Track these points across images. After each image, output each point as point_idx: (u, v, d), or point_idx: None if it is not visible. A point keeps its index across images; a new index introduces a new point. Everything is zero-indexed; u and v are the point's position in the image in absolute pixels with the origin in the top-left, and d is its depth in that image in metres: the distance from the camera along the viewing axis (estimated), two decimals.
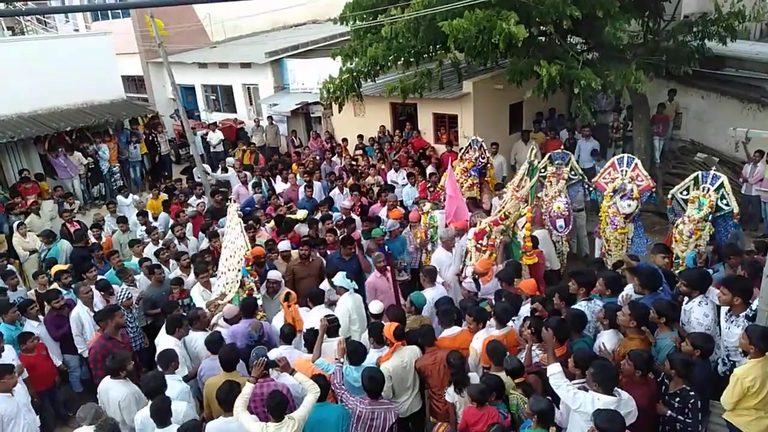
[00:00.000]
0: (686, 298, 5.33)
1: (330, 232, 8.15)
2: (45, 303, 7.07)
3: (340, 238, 7.80)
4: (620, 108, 12.91)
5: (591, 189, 8.31)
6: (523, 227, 7.05)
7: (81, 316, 6.62)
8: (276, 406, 4.34)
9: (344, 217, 8.90)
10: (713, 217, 6.86)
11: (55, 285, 7.46)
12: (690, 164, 12.11)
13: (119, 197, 11.33)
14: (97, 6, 14.40)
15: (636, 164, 7.78)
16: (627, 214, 7.57)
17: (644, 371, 4.41)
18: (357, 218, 9.03)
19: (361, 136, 13.55)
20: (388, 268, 6.76)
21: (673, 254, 6.74)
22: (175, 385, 5.00)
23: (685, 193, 7.25)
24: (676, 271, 6.32)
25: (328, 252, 7.85)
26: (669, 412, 4.40)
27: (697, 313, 5.14)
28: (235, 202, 8.11)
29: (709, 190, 6.99)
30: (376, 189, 10.59)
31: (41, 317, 6.89)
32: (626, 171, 7.78)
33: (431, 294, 6.33)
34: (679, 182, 7.66)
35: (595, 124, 11.05)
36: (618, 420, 3.79)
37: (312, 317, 5.92)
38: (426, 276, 6.57)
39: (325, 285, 6.77)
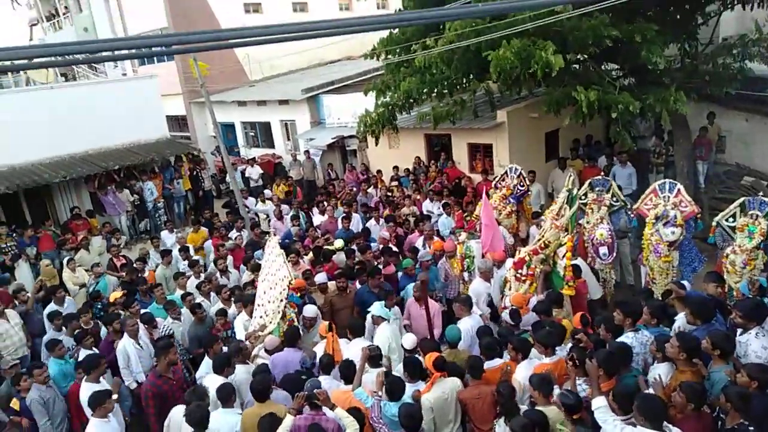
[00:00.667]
0: (740, 330, 5.09)
1: (361, 264, 8.16)
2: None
3: (368, 269, 7.77)
4: (661, 133, 12.67)
5: (633, 216, 8.08)
6: (563, 256, 6.92)
7: (127, 349, 6.77)
8: None
9: (381, 247, 8.92)
10: (765, 245, 6.55)
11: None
12: (737, 188, 11.72)
13: (164, 233, 11.68)
14: (144, 54, 15.18)
15: (679, 190, 7.51)
16: (671, 241, 7.33)
17: (697, 404, 4.19)
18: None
19: (396, 168, 13.68)
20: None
21: (726, 285, 6.47)
22: (238, 419, 5.05)
23: (731, 220, 6.92)
24: (730, 303, 6.04)
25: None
26: None
27: (754, 345, 4.88)
28: (275, 235, 8.26)
29: (758, 216, 6.67)
30: (411, 219, 10.62)
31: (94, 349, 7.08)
32: (669, 197, 7.51)
33: (468, 323, 6.24)
34: (725, 207, 7.36)
35: (636, 149, 10.84)
36: None
37: (352, 349, 5.91)
38: (462, 305, 6.49)
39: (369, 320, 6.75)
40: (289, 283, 6.52)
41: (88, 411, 5.27)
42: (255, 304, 6.89)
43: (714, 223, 7.15)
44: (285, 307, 6.51)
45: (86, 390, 5.61)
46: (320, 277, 7.81)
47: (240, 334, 6.91)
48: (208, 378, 5.70)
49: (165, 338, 6.64)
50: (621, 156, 11.48)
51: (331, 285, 7.73)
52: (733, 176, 12.35)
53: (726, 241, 7.00)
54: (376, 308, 6.42)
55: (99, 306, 8.74)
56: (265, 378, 5.20)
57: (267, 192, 14.32)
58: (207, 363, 6.18)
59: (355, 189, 13.49)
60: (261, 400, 5.01)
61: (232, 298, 7.71)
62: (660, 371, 4.80)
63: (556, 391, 4.62)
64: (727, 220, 6.97)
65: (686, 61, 10.76)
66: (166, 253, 9.90)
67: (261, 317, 6.67)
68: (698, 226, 7.55)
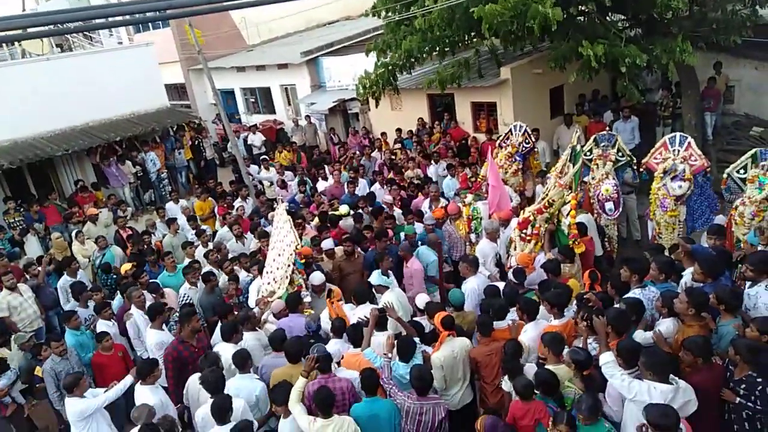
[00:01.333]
0: (749, 283, 5.08)
1: (367, 229, 8.18)
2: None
3: (374, 234, 7.78)
4: (668, 85, 12.41)
5: (642, 170, 7.95)
6: (567, 214, 6.89)
7: (137, 320, 6.88)
8: (321, 401, 4.39)
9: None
10: None
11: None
12: (746, 139, 11.53)
13: (169, 204, 11.68)
14: (138, 19, 14.87)
15: (689, 143, 7.37)
16: (677, 196, 7.26)
17: (704, 356, 4.23)
18: (398, 212, 9.02)
19: (399, 130, 13.53)
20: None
21: (734, 237, 6.43)
22: (256, 385, 5.16)
23: (742, 171, 6.81)
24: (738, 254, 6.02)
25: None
26: (737, 399, 4.22)
27: (765, 297, 4.87)
28: (283, 202, 8.26)
29: None
30: (416, 182, 10.55)
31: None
32: (678, 151, 7.39)
33: (474, 283, 6.27)
34: (734, 159, 7.25)
35: (644, 102, 10.62)
36: (671, 414, 3.62)
37: (357, 314, 5.96)
38: (469, 265, 6.50)
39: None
40: (296, 248, 6.55)
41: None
42: (264, 271, 6.95)
43: (725, 175, 7.05)
44: (293, 272, 6.55)
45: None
46: (326, 243, 7.83)
47: (253, 299, 7.01)
48: (219, 346, 5.80)
49: (186, 306, 6.72)
50: (624, 110, 11.29)
51: (339, 250, 7.75)
52: (741, 127, 12.14)
53: (735, 194, 6.92)
54: (375, 278, 6.46)
55: (111, 278, 8.86)
56: (298, 341, 5.30)
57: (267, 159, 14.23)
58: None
59: (358, 153, 13.39)
60: (294, 362, 5.11)
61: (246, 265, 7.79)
62: (664, 326, 4.83)
63: (566, 350, 4.66)
64: (738, 171, 6.87)
65: (694, 9, 10.43)
66: (171, 222, 9.94)
67: (269, 283, 6.74)
68: (708, 179, 7.44)
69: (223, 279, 7.69)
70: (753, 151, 6.82)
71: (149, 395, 5.18)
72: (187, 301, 7.26)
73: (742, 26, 10.00)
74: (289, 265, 6.52)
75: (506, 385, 4.77)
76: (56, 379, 6.12)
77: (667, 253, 6.40)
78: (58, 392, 6.12)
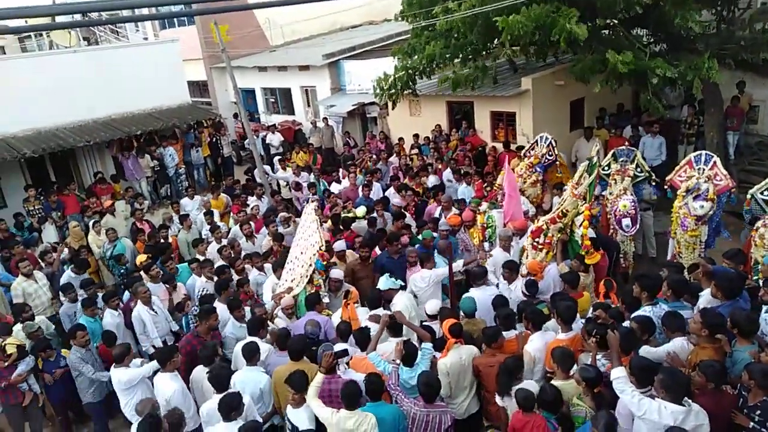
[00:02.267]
0: (765, 307, 4.97)
1: (381, 232, 8.19)
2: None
3: (387, 238, 7.79)
4: (693, 102, 12.26)
5: (667, 187, 7.80)
6: (580, 225, 6.82)
7: (141, 316, 6.88)
8: (350, 395, 4.44)
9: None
10: None
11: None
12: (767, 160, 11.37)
13: (184, 200, 11.78)
14: (164, 14, 15.07)
15: (715, 162, 7.23)
16: (698, 215, 7.13)
17: (717, 383, 4.15)
18: (411, 220, 9.00)
19: (416, 136, 13.53)
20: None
21: (752, 259, 6.31)
22: (262, 378, 5.21)
23: (766, 193, 6.71)
24: (755, 278, 5.90)
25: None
26: (751, 424, 4.12)
27: None
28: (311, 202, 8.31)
29: None
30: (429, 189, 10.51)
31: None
32: (704, 169, 7.25)
33: (478, 294, 6.18)
34: (756, 180, 7.14)
35: (668, 117, 10.51)
36: None
37: (369, 318, 5.94)
38: (473, 279, 6.45)
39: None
40: (320, 248, 6.57)
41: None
42: (285, 268, 7.00)
43: (748, 196, 6.92)
44: (313, 272, 6.57)
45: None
46: (339, 245, 7.84)
47: (267, 296, 7.05)
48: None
49: (208, 297, 6.79)
50: (653, 126, 11.15)
51: (350, 254, 7.75)
52: (765, 148, 11.95)
53: (757, 216, 6.79)
54: (383, 282, 6.45)
55: (122, 269, 8.95)
56: (301, 338, 5.32)
57: (276, 159, 14.23)
58: (232, 323, 6.34)
59: (375, 157, 13.40)
60: (296, 359, 5.12)
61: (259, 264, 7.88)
62: (673, 345, 4.72)
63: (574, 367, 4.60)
64: (762, 193, 6.76)
65: (722, 27, 10.31)
66: (184, 218, 10.02)
67: (287, 280, 6.78)
68: (731, 200, 7.29)
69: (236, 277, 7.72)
70: None
71: (169, 382, 5.24)
72: (205, 292, 7.26)
73: None
74: (311, 265, 6.55)
75: (499, 400, 4.72)
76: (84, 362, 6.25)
77: (685, 273, 6.29)
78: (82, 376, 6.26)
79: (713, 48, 9.39)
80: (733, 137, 11.56)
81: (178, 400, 5.15)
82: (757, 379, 4.07)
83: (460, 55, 10.84)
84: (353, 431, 4.37)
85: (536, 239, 6.93)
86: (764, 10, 10.10)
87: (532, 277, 6.35)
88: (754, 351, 4.47)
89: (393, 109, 12.44)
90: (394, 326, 5.49)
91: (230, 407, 4.52)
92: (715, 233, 7.33)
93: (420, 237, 7.97)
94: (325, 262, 6.74)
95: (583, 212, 6.90)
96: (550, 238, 6.92)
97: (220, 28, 12.03)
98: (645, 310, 5.22)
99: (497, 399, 4.76)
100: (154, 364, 5.55)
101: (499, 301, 5.85)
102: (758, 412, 4.09)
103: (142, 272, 7.82)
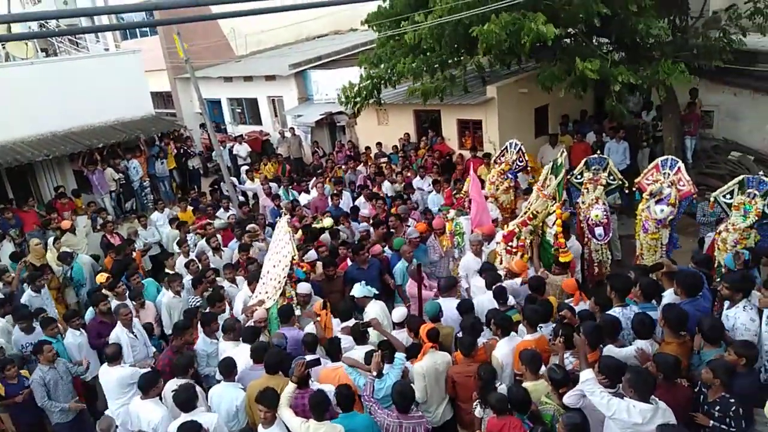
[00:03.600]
0: (727, 304, 5.14)
1: (342, 245, 8.16)
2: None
3: (351, 249, 7.75)
4: (650, 108, 12.65)
5: (635, 189, 7.79)
6: (554, 224, 6.92)
7: (120, 338, 6.53)
8: (317, 405, 4.41)
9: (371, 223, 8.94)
10: (758, 224, 6.48)
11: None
12: (724, 163, 11.78)
13: (154, 214, 11.48)
14: (125, 25, 14.82)
15: (679, 167, 7.31)
16: (659, 219, 7.28)
17: (667, 374, 4.25)
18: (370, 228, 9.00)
19: (380, 144, 13.57)
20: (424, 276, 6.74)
21: (716, 261, 6.48)
22: (238, 394, 5.14)
23: (728, 197, 6.81)
24: (718, 280, 6.06)
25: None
26: (711, 422, 4.24)
27: (743, 318, 4.94)
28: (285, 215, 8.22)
29: (755, 195, 6.54)
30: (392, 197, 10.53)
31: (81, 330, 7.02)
32: (668, 174, 7.35)
33: (446, 303, 6.12)
34: (712, 182, 7.35)
35: (632, 124, 10.78)
36: None
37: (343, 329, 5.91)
38: (442, 289, 6.46)
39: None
40: (293, 258, 6.50)
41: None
42: (259, 281, 6.91)
43: (712, 198, 7.04)
44: (286, 284, 6.50)
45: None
46: (310, 255, 7.78)
47: (238, 308, 6.94)
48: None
49: (186, 316, 6.62)
50: (617, 132, 11.42)
51: (321, 265, 7.66)
52: (720, 151, 12.41)
53: (706, 216, 6.94)
54: (357, 290, 6.42)
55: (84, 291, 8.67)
56: (278, 352, 5.24)
57: (245, 169, 14.03)
58: (203, 339, 6.24)
59: (344, 166, 13.39)
60: (271, 373, 5.06)
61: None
62: (641, 345, 4.84)
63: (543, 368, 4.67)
64: (724, 196, 6.87)
65: (677, 35, 10.69)
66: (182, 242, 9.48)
67: (260, 293, 6.70)
68: (693, 205, 7.41)
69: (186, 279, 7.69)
70: (741, 177, 6.77)
71: (154, 408, 5.06)
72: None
73: (723, 52, 10.26)
74: (284, 277, 6.47)
75: (478, 411, 4.72)
76: (46, 387, 6.03)
77: (649, 272, 6.42)
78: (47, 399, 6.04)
79: (668, 55, 9.73)
80: (690, 141, 11.96)
81: (166, 425, 4.95)
82: (720, 375, 4.19)
83: (426, 67, 10.96)
84: None
85: (509, 243, 6.99)
86: (716, 19, 10.51)
87: (517, 278, 6.45)
88: (720, 354, 4.59)
89: (357, 117, 12.47)
90: (359, 335, 5.48)
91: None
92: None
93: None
94: (304, 270, 6.68)
95: (554, 212, 6.98)
96: (523, 241, 6.99)
97: (177, 42, 11.84)
98: (615, 311, 5.32)
99: (475, 410, 4.76)
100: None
101: (464, 307, 5.84)
102: (717, 407, 4.21)
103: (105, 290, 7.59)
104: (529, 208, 7.25)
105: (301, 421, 4.43)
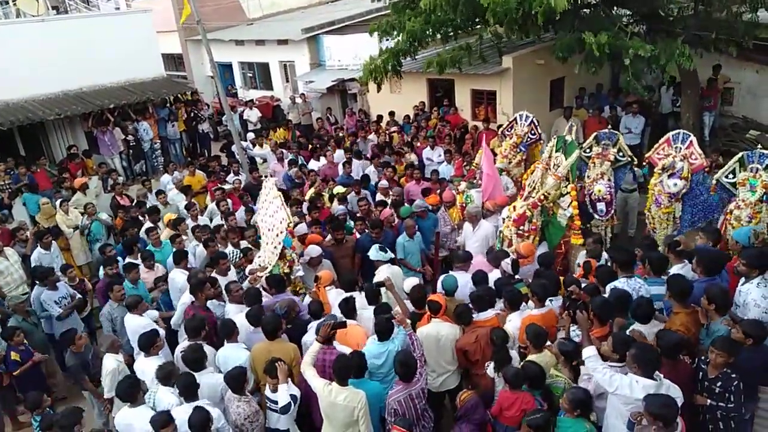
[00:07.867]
0: (742, 280, 5.10)
1: (359, 220, 7.95)
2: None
3: (369, 222, 7.66)
4: (670, 84, 12.36)
5: (645, 163, 7.76)
6: (569, 206, 6.85)
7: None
8: (341, 369, 4.43)
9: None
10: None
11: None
12: (741, 141, 11.56)
13: (164, 176, 11.49)
14: None
15: (691, 141, 7.29)
16: (672, 193, 7.24)
17: (666, 354, 4.20)
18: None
19: (392, 113, 13.40)
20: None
21: (727, 241, 6.42)
22: (242, 354, 5.19)
23: (731, 176, 6.78)
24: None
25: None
26: (709, 401, 4.26)
27: (755, 294, 4.88)
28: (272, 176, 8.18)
29: (758, 170, 6.54)
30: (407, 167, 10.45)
31: None
32: (680, 148, 7.31)
33: (459, 276, 6.11)
34: (728, 161, 7.23)
35: (646, 97, 10.57)
36: (672, 405, 3.64)
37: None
38: (456, 261, 6.47)
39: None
40: (288, 225, 6.50)
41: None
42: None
43: (713, 181, 7.00)
44: (284, 248, 6.51)
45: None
46: (300, 228, 7.58)
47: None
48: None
49: (196, 275, 6.55)
50: (633, 106, 11.20)
51: (313, 237, 7.50)
52: (739, 129, 12.17)
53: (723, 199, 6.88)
54: (373, 253, 6.48)
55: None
56: (275, 317, 5.27)
57: (250, 135, 13.96)
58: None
59: (354, 134, 13.28)
60: (271, 338, 5.12)
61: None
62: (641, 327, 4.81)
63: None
64: (726, 176, 6.83)
65: (700, 9, 10.36)
66: (160, 192, 9.84)
67: (260, 257, 6.72)
68: (705, 179, 7.30)
69: (200, 250, 7.68)
70: (740, 154, 6.77)
71: (155, 366, 5.10)
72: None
73: (747, 29, 9.92)
74: (279, 242, 6.48)
75: (490, 371, 4.79)
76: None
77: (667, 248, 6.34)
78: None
79: (690, 30, 9.45)
80: (709, 117, 11.71)
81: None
82: (726, 349, 4.17)
83: (441, 32, 10.72)
84: (343, 407, 4.37)
85: (521, 227, 6.88)
86: None
87: (522, 259, 6.40)
88: (728, 320, 4.60)
89: (378, 91, 12.30)
90: (372, 294, 5.52)
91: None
92: (696, 217, 7.36)
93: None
94: (293, 239, 6.66)
95: (569, 193, 6.90)
96: (535, 224, 6.89)
97: (184, 3, 11.61)
98: (620, 282, 5.29)
99: (487, 370, 4.81)
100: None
101: (480, 279, 5.84)
102: (718, 383, 4.21)
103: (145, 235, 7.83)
104: (534, 187, 7.13)
105: (325, 383, 4.47)
